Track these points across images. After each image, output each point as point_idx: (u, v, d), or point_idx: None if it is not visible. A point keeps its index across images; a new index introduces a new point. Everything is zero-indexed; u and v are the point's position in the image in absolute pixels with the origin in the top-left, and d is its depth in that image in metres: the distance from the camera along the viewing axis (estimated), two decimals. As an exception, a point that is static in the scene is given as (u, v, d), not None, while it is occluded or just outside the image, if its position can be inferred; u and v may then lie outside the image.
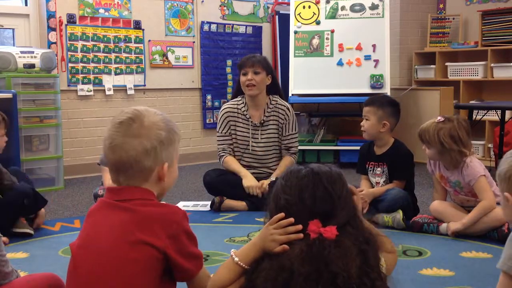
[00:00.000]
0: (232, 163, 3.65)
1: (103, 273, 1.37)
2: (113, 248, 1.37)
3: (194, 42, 5.72)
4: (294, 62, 5.32)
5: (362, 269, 1.28)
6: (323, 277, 1.25)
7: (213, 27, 5.83)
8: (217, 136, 3.75)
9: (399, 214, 3.04)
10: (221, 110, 3.77)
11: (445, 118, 2.88)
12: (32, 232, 2.99)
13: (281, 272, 1.29)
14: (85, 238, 1.45)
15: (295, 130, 3.69)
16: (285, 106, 3.69)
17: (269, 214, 1.44)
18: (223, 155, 3.69)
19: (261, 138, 3.66)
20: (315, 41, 5.31)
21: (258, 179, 3.65)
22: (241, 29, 6.03)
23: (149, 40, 5.42)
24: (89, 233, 1.45)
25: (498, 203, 2.87)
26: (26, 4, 4.91)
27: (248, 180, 3.53)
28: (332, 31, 5.27)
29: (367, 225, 1.46)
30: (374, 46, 5.20)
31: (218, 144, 3.74)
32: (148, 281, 1.37)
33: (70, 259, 1.46)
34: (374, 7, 5.24)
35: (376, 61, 5.18)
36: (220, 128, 3.71)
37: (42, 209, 3.13)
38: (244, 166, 3.68)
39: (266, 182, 3.51)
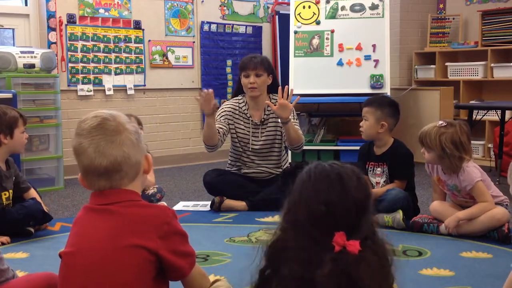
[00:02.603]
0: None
1: (98, 280, 1.34)
2: (107, 255, 1.35)
3: (194, 42, 5.73)
4: (294, 62, 5.32)
5: (385, 287, 1.25)
6: None
7: (213, 27, 5.83)
8: None
9: (399, 214, 3.04)
10: (221, 106, 3.76)
11: (447, 123, 2.86)
12: (32, 230, 3.00)
13: (301, 284, 1.24)
14: (76, 246, 1.41)
15: (296, 120, 3.66)
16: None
17: (292, 210, 1.31)
18: None
19: (261, 137, 3.66)
20: (315, 41, 5.30)
21: (259, 178, 3.65)
22: (241, 29, 6.03)
23: (149, 40, 5.42)
24: (79, 240, 1.41)
25: (499, 204, 2.88)
26: (26, 4, 4.91)
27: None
28: (332, 31, 5.27)
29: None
30: (374, 46, 5.19)
31: None
32: (143, 284, 1.36)
33: (60, 268, 1.42)
34: (374, 7, 5.23)
35: (376, 61, 5.18)
36: (217, 116, 3.61)
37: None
38: (244, 164, 3.68)
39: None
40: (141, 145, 1.45)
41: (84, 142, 1.39)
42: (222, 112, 3.68)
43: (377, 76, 5.13)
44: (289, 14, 5.49)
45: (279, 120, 3.49)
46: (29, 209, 2.96)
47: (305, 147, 5.20)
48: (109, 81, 5.20)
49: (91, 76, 5.10)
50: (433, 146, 2.84)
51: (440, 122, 2.89)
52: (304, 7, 5.35)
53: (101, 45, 5.13)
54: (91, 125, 1.40)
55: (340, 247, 1.23)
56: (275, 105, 3.41)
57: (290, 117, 3.41)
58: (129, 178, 1.42)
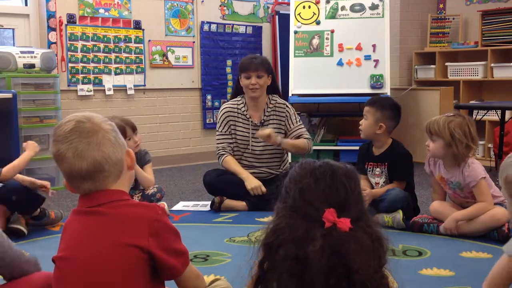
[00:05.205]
0: (232, 164, 3.63)
1: (94, 281, 1.34)
2: (101, 256, 1.34)
3: (194, 42, 5.72)
4: (294, 62, 5.32)
5: (375, 267, 1.27)
6: (338, 271, 1.24)
7: (213, 27, 5.83)
8: (217, 135, 3.73)
9: (399, 214, 3.04)
10: (220, 109, 3.77)
11: (455, 114, 2.90)
12: (25, 230, 3.00)
13: (296, 263, 1.27)
14: (68, 250, 1.40)
15: (299, 121, 3.68)
16: (283, 103, 3.70)
17: (283, 200, 1.37)
18: (223, 154, 3.66)
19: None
20: (315, 41, 5.30)
21: (259, 179, 3.65)
22: (241, 29, 6.03)
23: (149, 40, 5.42)
24: (71, 244, 1.40)
25: (499, 204, 2.88)
26: (26, 4, 4.91)
27: (251, 182, 3.52)
28: (332, 31, 5.27)
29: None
30: (374, 46, 5.19)
31: (217, 143, 3.72)
32: (139, 283, 1.36)
33: (54, 272, 1.42)
34: (374, 7, 5.23)
35: (376, 61, 5.18)
36: (220, 127, 3.70)
37: (53, 213, 3.18)
38: (244, 166, 3.68)
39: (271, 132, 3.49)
40: (121, 141, 1.44)
41: (61, 148, 1.38)
42: (222, 118, 3.69)
43: (377, 76, 5.13)
44: (289, 14, 5.49)
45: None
46: (7, 186, 2.94)
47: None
48: (109, 81, 5.20)
49: (91, 76, 5.09)
50: (441, 133, 2.82)
51: (448, 113, 2.91)
52: (304, 7, 5.35)
53: (101, 45, 5.12)
54: (65, 130, 1.39)
55: (330, 223, 1.27)
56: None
57: (278, 139, 3.49)
58: (113, 176, 1.42)
